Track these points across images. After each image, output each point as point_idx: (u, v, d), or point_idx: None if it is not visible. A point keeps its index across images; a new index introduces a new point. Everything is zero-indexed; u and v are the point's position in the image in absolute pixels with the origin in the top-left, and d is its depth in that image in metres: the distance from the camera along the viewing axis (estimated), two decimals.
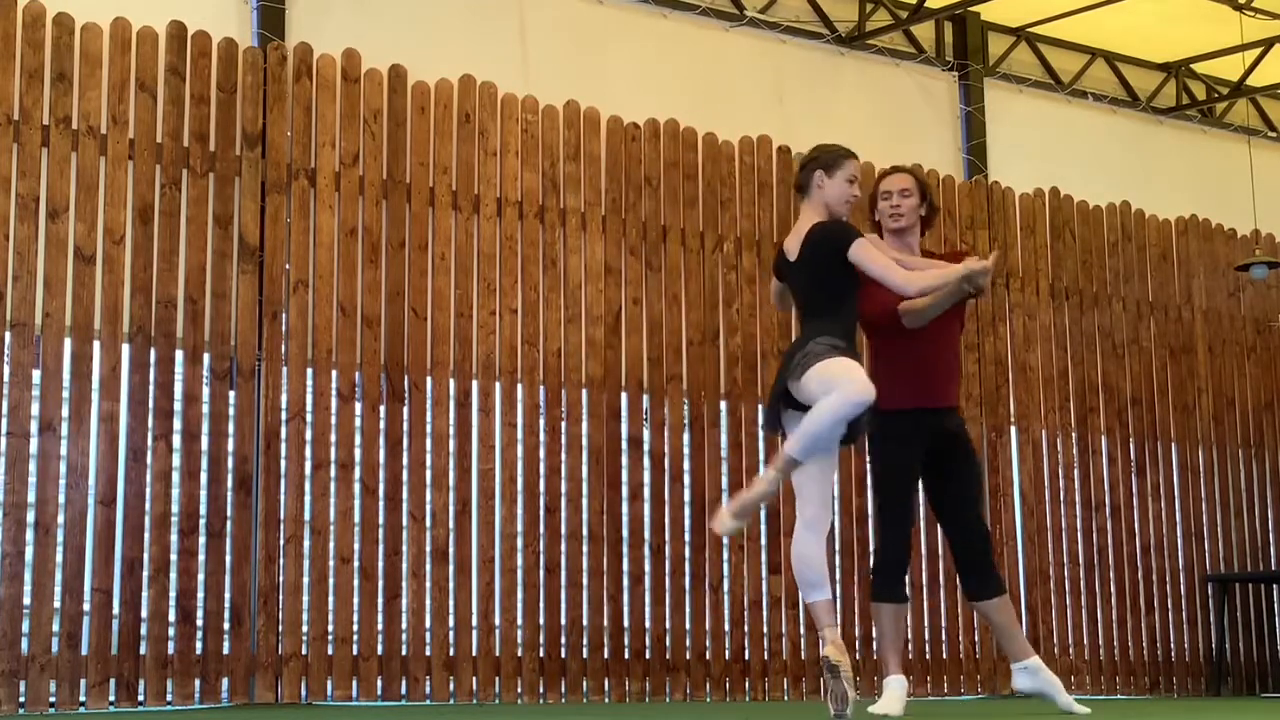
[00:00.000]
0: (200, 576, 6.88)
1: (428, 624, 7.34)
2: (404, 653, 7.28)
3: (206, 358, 7.02)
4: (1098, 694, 9.40)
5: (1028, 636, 9.18)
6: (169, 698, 6.74)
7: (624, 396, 8.03)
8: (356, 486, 7.29)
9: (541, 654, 7.59)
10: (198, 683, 6.80)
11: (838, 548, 8.48)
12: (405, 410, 7.43)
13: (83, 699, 6.56)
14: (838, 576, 8.45)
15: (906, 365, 5.82)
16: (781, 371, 5.32)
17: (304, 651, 7.04)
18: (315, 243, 7.35)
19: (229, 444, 7.02)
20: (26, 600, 6.53)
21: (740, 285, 8.51)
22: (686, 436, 8.20)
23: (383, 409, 7.38)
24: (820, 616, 5.24)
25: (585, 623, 7.73)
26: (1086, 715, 5.89)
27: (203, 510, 6.93)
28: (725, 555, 8.20)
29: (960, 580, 6.09)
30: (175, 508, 6.86)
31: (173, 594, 6.81)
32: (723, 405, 8.35)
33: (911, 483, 5.91)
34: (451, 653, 7.38)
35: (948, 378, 5.97)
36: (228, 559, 6.94)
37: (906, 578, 5.93)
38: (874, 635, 8.35)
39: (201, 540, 6.89)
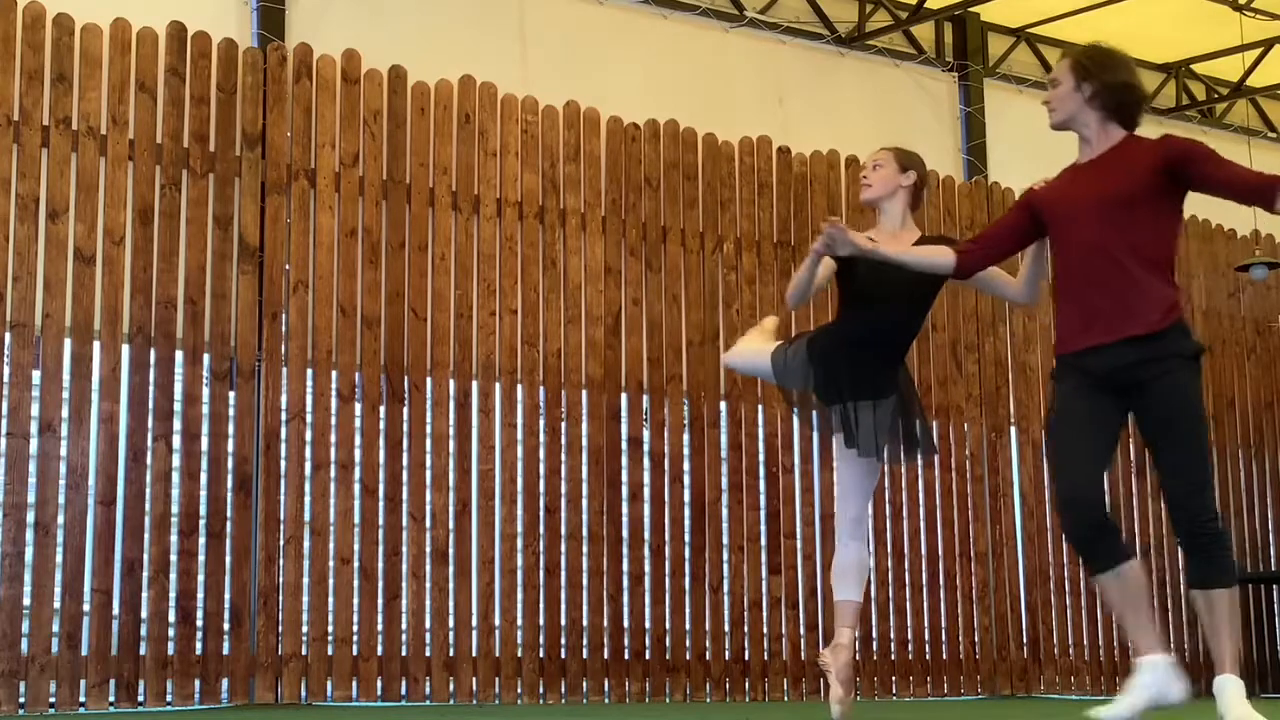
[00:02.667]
0: (200, 577, 6.88)
1: (428, 624, 7.34)
2: (404, 653, 7.28)
3: (206, 358, 7.03)
4: (1098, 694, 9.40)
5: (1027, 636, 9.20)
6: (169, 698, 6.74)
7: (624, 397, 8.03)
8: (356, 487, 7.29)
9: (541, 654, 7.59)
10: (198, 683, 6.80)
11: None
12: (405, 411, 7.43)
13: (83, 699, 6.56)
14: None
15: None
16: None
17: (304, 652, 7.04)
18: (315, 243, 7.36)
19: (229, 444, 7.02)
20: (26, 600, 6.53)
21: (740, 286, 8.51)
22: (686, 437, 8.20)
23: (383, 410, 7.38)
24: (836, 615, 5.36)
25: (585, 623, 7.73)
26: None
27: (203, 511, 6.93)
28: (725, 556, 8.20)
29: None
30: (175, 508, 6.86)
31: (173, 595, 6.81)
32: (723, 405, 8.35)
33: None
34: (451, 653, 7.38)
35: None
36: (228, 560, 6.94)
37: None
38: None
39: (201, 541, 6.90)
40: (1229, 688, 4.73)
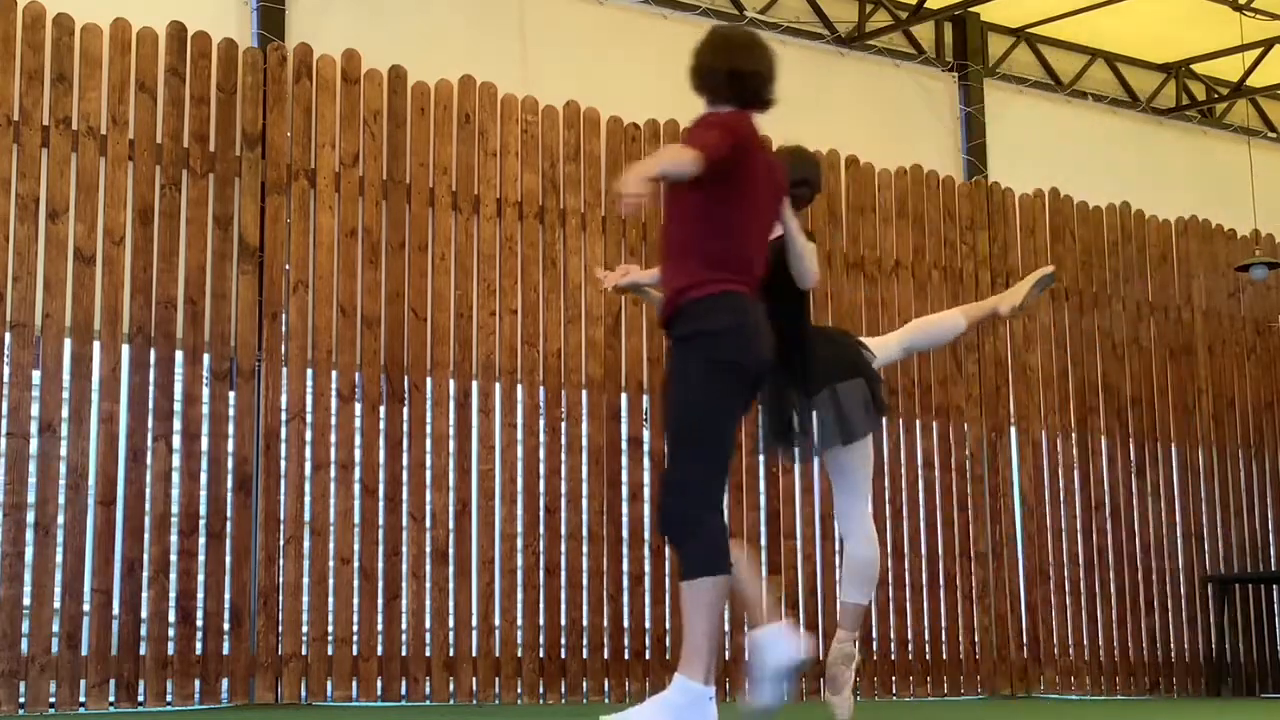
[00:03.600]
0: (200, 577, 6.88)
1: (428, 624, 7.34)
2: (404, 653, 7.28)
3: (206, 358, 7.03)
4: (1098, 694, 9.41)
5: (1028, 636, 9.20)
6: (169, 698, 6.74)
7: (624, 397, 8.03)
8: (356, 487, 7.29)
9: (541, 654, 7.59)
10: (198, 683, 6.80)
11: (838, 547, 8.48)
12: (405, 411, 7.43)
13: (83, 699, 6.56)
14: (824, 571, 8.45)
15: None
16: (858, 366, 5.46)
17: (304, 652, 7.04)
18: (315, 243, 7.36)
19: (229, 444, 7.02)
20: (26, 600, 6.53)
21: None
22: None
23: (383, 410, 7.38)
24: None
25: (585, 623, 7.73)
26: None
27: (203, 511, 6.93)
28: None
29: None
30: (175, 508, 6.86)
31: (173, 595, 6.81)
32: None
33: None
34: (451, 653, 7.38)
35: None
36: (228, 559, 6.94)
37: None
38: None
39: (201, 541, 6.90)
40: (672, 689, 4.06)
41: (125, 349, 6.89)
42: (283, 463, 7.12)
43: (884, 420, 5.53)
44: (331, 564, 7.15)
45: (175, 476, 6.90)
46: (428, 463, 7.45)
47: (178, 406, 6.94)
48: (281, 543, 7.06)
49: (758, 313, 4.20)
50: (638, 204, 3.82)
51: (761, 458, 8.22)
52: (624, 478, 7.97)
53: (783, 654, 4.35)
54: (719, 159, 4.00)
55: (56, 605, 6.59)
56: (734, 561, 4.26)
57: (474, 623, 7.45)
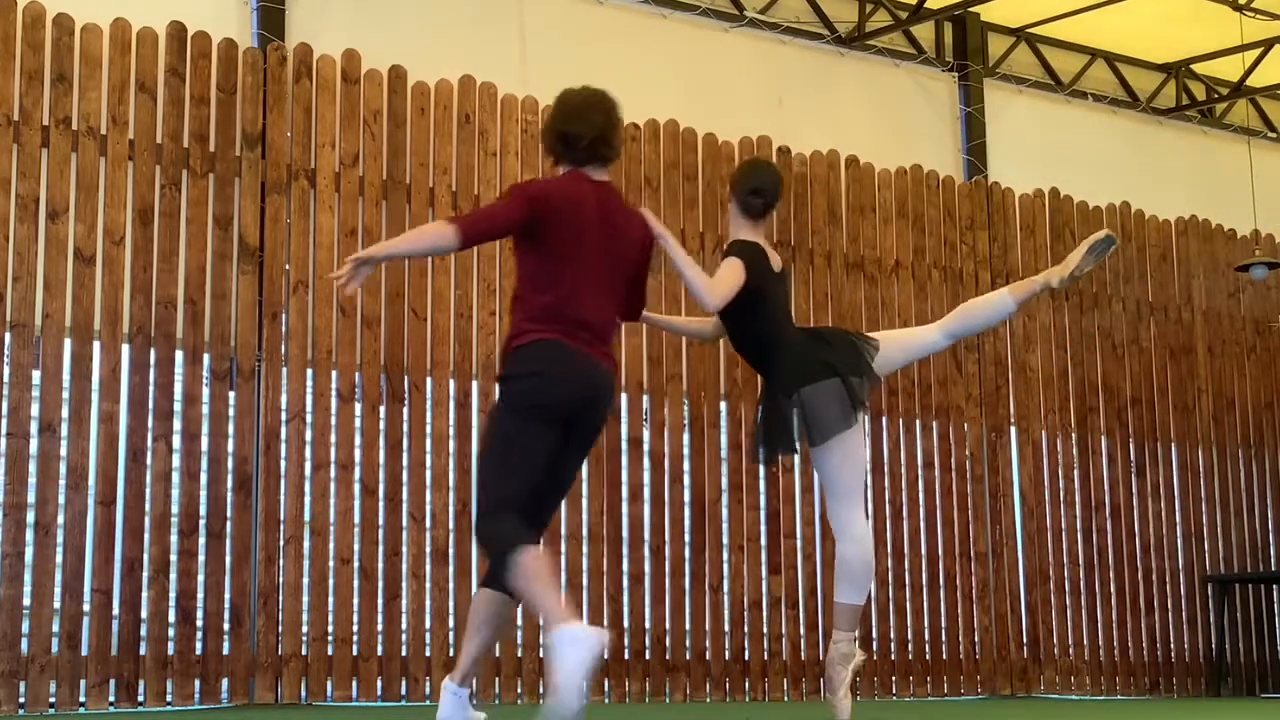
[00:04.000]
0: (200, 577, 6.88)
1: (428, 624, 7.34)
2: (404, 653, 7.28)
3: (206, 358, 7.03)
4: (1098, 694, 9.41)
5: (1028, 636, 9.20)
6: (169, 698, 6.74)
7: (624, 397, 8.03)
8: (356, 487, 7.29)
9: (541, 654, 7.59)
10: (198, 683, 6.80)
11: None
12: (405, 411, 7.43)
13: (83, 699, 6.56)
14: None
15: None
16: (841, 364, 5.42)
17: (304, 652, 7.05)
18: (315, 243, 7.36)
19: (229, 444, 7.02)
20: (26, 600, 6.53)
21: None
22: (686, 437, 8.20)
23: (383, 410, 7.38)
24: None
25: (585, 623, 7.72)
26: None
27: (203, 511, 6.93)
28: (725, 556, 8.20)
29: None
30: (175, 508, 6.86)
31: (173, 594, 6.82)
32: (723, 405, 8.35)
33: None
34: (451, 653, 7.38)
35: None
36: (228, 559, 6.94)
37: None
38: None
39: (201, 541, 6.90)
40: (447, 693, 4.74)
41: (125, 349, 6.89)
42: (283, 463, 7.12)
43: (855, 418, 5.44)
44: (331, 564, 7.15)
45: (175, 476, 6.90)
46: (428, 463, 7.45)
47: (178, 406, 6.95)
48: (281, 543, 7.06)
49: (571, 360, 4.43)
50: (355, 285, 4.22)
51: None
52: (624, 478, 7.97)
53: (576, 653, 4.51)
54: (496, 226, 4.43)
55: (56, 605, 6.59)
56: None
57: None
